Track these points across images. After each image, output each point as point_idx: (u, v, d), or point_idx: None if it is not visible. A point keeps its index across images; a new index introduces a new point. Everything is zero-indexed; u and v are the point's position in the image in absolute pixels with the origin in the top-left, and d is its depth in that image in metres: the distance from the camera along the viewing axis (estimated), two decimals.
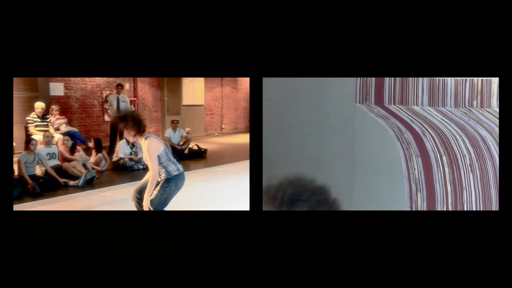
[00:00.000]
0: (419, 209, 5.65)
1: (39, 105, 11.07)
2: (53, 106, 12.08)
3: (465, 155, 5.65)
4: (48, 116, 11.34)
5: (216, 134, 21.71)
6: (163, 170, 5.45)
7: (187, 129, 14.42)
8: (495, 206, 5.68)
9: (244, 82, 23.12)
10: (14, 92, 6.49)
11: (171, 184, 5.45)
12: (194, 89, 19.78)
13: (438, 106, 6.02)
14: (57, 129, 11.38)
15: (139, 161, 11.11)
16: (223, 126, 22.49)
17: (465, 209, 5.55)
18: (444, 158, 5.55)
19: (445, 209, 5.60)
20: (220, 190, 9.14)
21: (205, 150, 14.15)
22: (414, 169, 5.41)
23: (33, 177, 8.56)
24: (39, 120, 10.92)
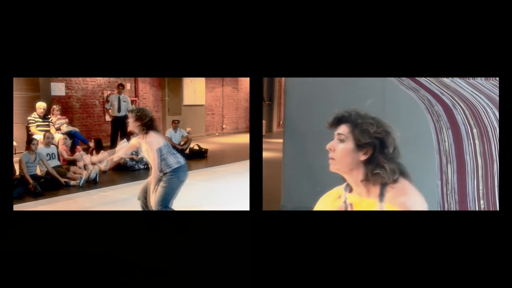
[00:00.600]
0: (449, 182, 5.58)
1: (41, 105, 11.09)
2: (54, 106, 12.10)
3: (495, 127, 5.64)
4: (49, 116, 11.36)
5: (217, 134, 21.71)
6: (163, 163, 5.43)
7: (188, 129, 14.43)
8: None
9: (245, 82, 23.11)
10: (15, 92, 6.50)
11: (172, 177, 5.43)
12: (195, 89, 19.78)
13: (469, 79, 5.98)
14: (58, 129, 11.40)
15: (140, 160, 11.13)
16: (224, 126, 22.50)
17: (496, 182, 5.42)
18: (474, 130, 5.53)
19: (476, 182, 5.48)
20: (221, 190, 9.15)
21: (206, 150, 14.16)
22: (444, 141, 5.39)
23: (34, 177, 8.58)
24: (40, 120, 10.94)
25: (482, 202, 5.95)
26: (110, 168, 11.08)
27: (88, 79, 15.05)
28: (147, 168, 8.14)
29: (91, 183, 9.44)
